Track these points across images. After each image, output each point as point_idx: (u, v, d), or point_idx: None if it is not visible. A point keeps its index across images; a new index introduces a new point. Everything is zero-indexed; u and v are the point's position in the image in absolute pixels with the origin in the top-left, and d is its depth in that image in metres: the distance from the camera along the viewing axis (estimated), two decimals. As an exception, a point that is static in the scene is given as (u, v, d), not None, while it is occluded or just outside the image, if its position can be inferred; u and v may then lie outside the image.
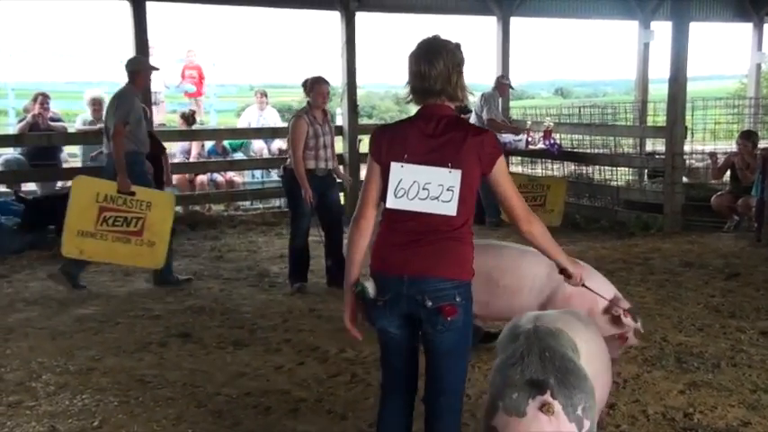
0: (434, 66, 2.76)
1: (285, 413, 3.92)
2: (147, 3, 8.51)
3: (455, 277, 2.74)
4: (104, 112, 9.11)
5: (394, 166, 2.75)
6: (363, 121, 11.08)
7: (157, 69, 6.88)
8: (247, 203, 10.44)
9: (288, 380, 4.39)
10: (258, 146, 11.42)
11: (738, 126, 11.98)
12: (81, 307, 5.92)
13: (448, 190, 2.71)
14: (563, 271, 3.05)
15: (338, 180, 6.70)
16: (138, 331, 5.30)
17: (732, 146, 9.60)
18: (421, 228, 2.75)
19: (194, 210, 9.57)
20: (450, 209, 2.71)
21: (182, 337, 5.16)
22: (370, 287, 2.79)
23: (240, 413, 3.93)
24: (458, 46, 2.84)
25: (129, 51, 8.57)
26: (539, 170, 10.71)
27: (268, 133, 11.00)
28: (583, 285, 3.14)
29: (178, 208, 9.64)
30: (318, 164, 6.20)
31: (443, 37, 2.86)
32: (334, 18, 9.61)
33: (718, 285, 6.39)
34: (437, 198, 2.72)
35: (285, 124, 8.65)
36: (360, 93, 10.30)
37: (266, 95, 12.11)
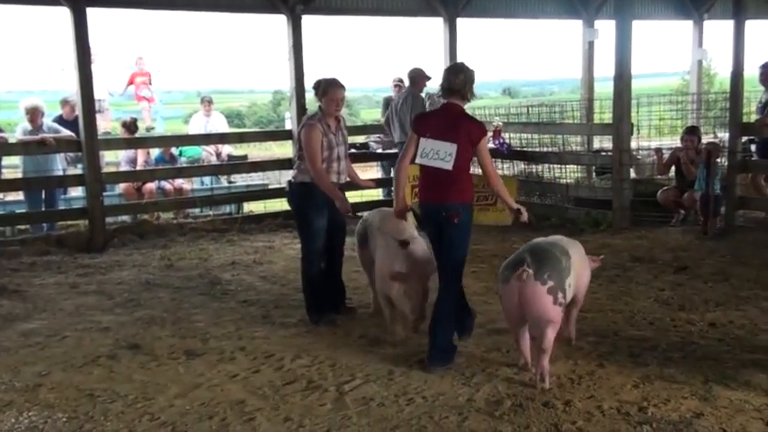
0: (458, 77, 4.59)
1: (241, 423, 3.85)
2: (88, 9, 8.30)
3: (458, 201, 4.50)
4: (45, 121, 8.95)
5: (421, 139, 4.57)
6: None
7: None
8: (197, 211, 10.28)
9: (243, 388, 4.31)
10: (204, 153, 11.27)
11: (682, 122, 12.22)
12: (26, 321, 5.74)
13: (449, 155, 4.48)
14: (515, 211, 4.72)
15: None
16: (86, 344, 5.16)
17: (676, 141, 9.79)
18: (437, 175, 4.52)
19: (143, 218, 9.37)
20: (448, 166, 4.49)
21: (132, 348, 5.04)
22: (416, 208, 4.88)
23: (195, 425, 3.84)
24: (472, 71, 4.65)
25: (71, 58, 8.37)
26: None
27: (216, 139, 10.87)
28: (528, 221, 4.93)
29: (125, 217, 9.49)
30: (331, 177, 5.37)
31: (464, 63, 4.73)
32: (280, 22, 9.52)
33: (668, 279, 6.49)
34: (442, 159, 4.50)
35: (232, 129, 8.53)
36: (309, 96, 10.23)
37: (211, 102, 11.98)
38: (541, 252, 4.31)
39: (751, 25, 8.79)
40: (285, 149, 11.41)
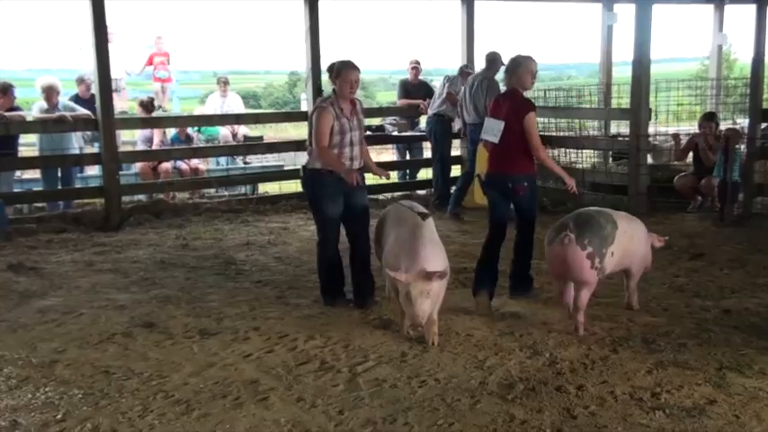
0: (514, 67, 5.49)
1: (254, 402, 3.87)
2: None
3: (521, 172, 5.35)
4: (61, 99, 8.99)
5: (486, 118, 5.60)
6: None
7: None
8: (212, 191, 10.33)
9: (256, 368, 4.34)
10: (222, 132, 11.30)
11: (701, 108, 12.11)
12: (43, 298, 5.80)
13: (498, 131, 5.34)
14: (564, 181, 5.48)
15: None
16: (102, 322, 5.20)
17: (695, 127, 9.70)
18: (501, 148, 5.36)
19: (158, 198, 9.42)
20: (495, 140, 5.38)
21: (147, 327, 5.08)
22: (483, 176, 5.63)
23: (208, 403, 3.87)
24: (517, 61, 5.49)
25: (89, 37, 8.38)
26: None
27: (232, 120, 10.89)
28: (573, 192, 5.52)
29: (141, 196, 9.54)
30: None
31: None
32: (298, 4, 9.49)
33: (683, 266, 6.46)
34: (494, 135, 5.37)
35: (248, 110, 8.52)
36: (325, 78, 10.20)
37: (228, 83, 11.99)
38: (585, 218, 4.77)
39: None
40: (301, 131, 11.42)
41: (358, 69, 5.23)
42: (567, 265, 4.69)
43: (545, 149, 5.60)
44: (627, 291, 5.33)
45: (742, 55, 24.97)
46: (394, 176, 10.90)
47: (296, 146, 10.27)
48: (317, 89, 9.39)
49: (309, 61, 9.40)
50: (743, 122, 10.65)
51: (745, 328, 4.85)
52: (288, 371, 4.28)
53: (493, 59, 9.07)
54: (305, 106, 10.08)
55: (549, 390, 3.94)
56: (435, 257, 4.56)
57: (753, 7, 10.35)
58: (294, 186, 9.77)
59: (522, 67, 5.46)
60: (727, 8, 13.30)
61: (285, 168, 10.75)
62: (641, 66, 8.53)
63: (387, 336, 4.81)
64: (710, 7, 13.31)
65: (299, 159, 11.52)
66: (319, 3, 9.44)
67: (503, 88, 7.13)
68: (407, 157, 11.20)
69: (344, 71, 5.16)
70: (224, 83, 11.81)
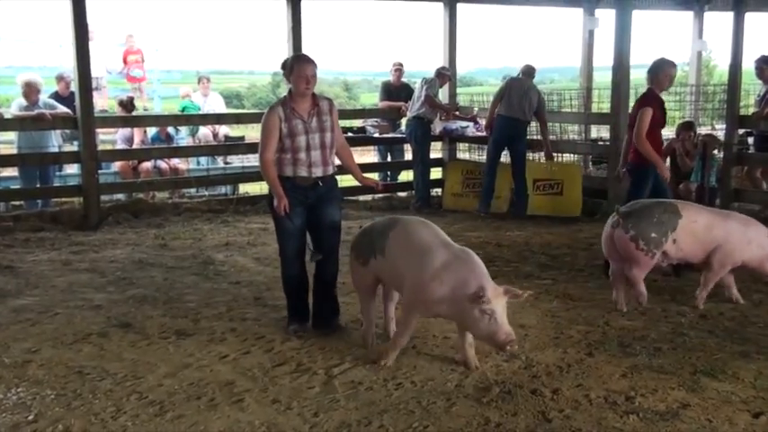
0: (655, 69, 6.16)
1: (229, 404, 3.85)
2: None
3: (631, 161, 6.36)
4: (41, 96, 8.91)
5: None
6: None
7: None
8: (192, 191, 10.27)
9: (232, 369, 4.32)
10: (203, 132, 11.24)
11: (680, 113, 12.20)
12: (18, 297, 5.74)
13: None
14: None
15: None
16: (77, 322, 5.16)
17: (673, 133, 9.77)
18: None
19: (138, 197, 9.36)
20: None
21: (123, 327, 5.04)
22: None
23: (183, 404, 3.85)
24: (656, 64, 6.22)
25: (69, 35, 8.31)
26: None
27: (213, 119, 10.84)
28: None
29: (120, 195, 9.47)
30: (298, 170, 4.69)
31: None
32: (280, 4, 9.47)
33: (661, 270, 6.48)
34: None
35: (229, 110, 8.48)
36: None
37: (209, 80, 11.94)
38: (638, 205, 5.39)
39: (751, 18, 8.74)
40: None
41: (313, 63, 4.69)
42: (614, 246, 5.35)
43: (645, 141, 6.03)
44: (727, 286, 5.54)
45: (721, 62, 25.19)
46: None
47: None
48: (297, 90, 9.34)
49: (291, 62, 9.35)
50: (722, 128, 10.75)
51: (720, 333, 4.88)
52: (264, 372, 4.27)
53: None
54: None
55: (524, 393, 3.95)
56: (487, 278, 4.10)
57: (731, 15, 10.43)
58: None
59: (661, 71, 6.13)
60: (707, 15, 13.42)
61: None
62: (621, 71, 8.58)
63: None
64: (690, 14, 13.43)
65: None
66: (302, 3, 9.43)
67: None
68: (388, 159, 11.20)
69: (297, 66, 4.64)
70: (206, 80, 11.77)
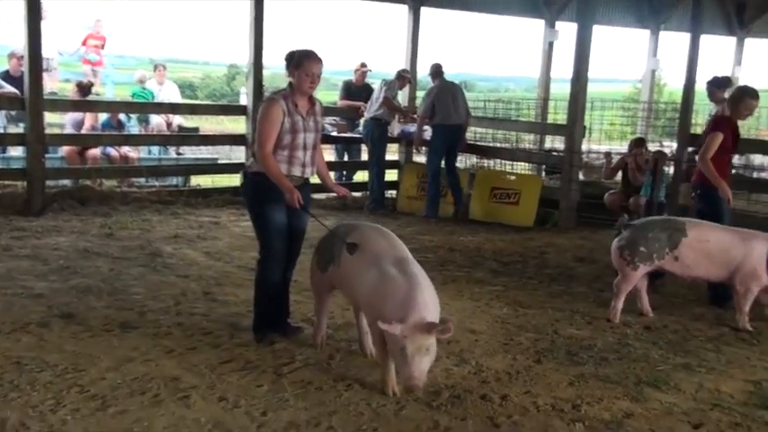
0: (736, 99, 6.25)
1: (174, 400, 3.77)
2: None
3: (697, 182, 6.33)
4: None
5: None
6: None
7: None
8: (142, 180, 10.07)
9: (178, 365, 4.22)
10: (156, 121, 11.04)
11: (631, 129, 12.45)
12: (-45, 283, 5.54)
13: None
14: None
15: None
16: (16, 310, 4.99)
17: (624, 147, 9.95)
18: None
19: (85, 184, 9.12)
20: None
21: (65, 317, 4.89)
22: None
23: (126, 399, 3.74)
24: (738, 93, 6.28)
25: (21, 15, 8.06)
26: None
27: (167, 108, 10.65)
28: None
29: (66, 181, 9.23)
30: (292, 169, 4.48)
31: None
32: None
33: (608, 281, 6.53)
34: None
35: (184, 100, 8.34)
36: (267, 72, 10.12)
37: (165, 68, 11.73)
38: (644, 221, 5.73)
39: (704, 40, 8.92)
40: (237, 125, 11.18)
41: (321, 62, 4.49)
42: (612, 257, 5.61)
43: (708, 162, 6.04)
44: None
45: (671, 80, 25.79)
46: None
47: (232, 140, 10.11)
48: (259, 84, 9.26)
49: (252, 54, 9.24)
50: (670, 145, 10.99)
51: (663, 345, 4.97)
52: (211, 369, 4.18)
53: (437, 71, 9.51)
54: (244, 100, 9.92)
55: (473, 398, 3.95)
56: (434, 304, 3.83)
57: (684, 35, 10.70)
58: (227, 180, 9.63)
59: (742, 102, 6.16)
60: (662, 34, 13.72)
61: (220, 162, 10.56)
62: (579, 83, 8.71)
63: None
64: (647, 32, 13.72)
65: (234, 154, 11.37)
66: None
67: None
68: (345, 159, 11.16)
69: (306, 61, 4.42)
70: (162, 68, 11.56)
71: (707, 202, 6.20)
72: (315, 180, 4.80)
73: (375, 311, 3.83)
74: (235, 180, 9.74)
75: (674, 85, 24.84)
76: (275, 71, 9.34)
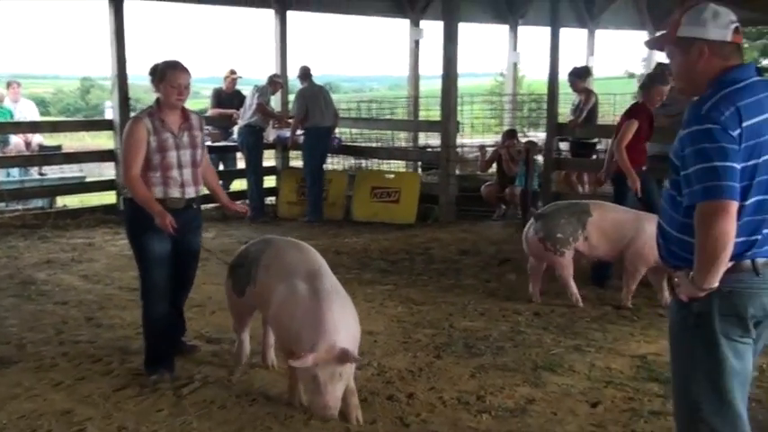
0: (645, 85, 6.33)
1: (68, 435, 3.56)
2: None
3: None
4: None
5: None
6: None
7: None
8: (3, 205, 9.44)
9: (68, 397, 3.99)
10: (14, 141, 10.38)
11: (496, 121, 12.91)
12: None
13: None
14: None
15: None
16: None
17: (491, 139, 10.31)
18: None
19: (-61, 212, 8.47)
20: None
21: (-66, 358, 4.52)
22: None
23: (14, 440, 3.50)
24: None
25: None
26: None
27: (27, 127, 10.04)
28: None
29: None
30: (169, 191, 4.19)
31: None
32: (102, 5, 8.95)
33: (494, 271, 6.80)
34: None
35: (44, 118, 7.87)
36: (133, 83, 9.73)
37: (20, 85, 11.06)
38: (550, 208, 5.91)
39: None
40: (100, 141, 10.66)
41: (188, 72, 4.24)
42: (529, 248, 5.75)
43: (623, 151, 6.06)
44: (658, 289, 5.68)
45: (529, 72, 26.79)
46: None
47: (99, 156, 9.67)
48: (124, 96, 8.90)
49: (115, 67, 8.87)
50: (534, 135, 11.47)
51: (553, 329, 5.16)
52: (105, 398, 3.98)
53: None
54: (110, 114, 9.52)
55: (380, 400, 3.96)
56: (347, 323, 3.54)
57: (540, 29, 11.23)
58: (97, 199, 9.20)
59: (654, 87, 6.16)
60: (521, 29, 14.27)
61: (87, 180, 10.07)
62: (449, 80, 8.91)
63: (211, 356, 4.62)
64: (506, 28, 14.22)
65: (103, 171, 10.89)
66: (124, 3, 8.97)
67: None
68: (221, 168, 10.90)
69: (171, 73, 4.16)
70: (17, 85, 10.87)
71: (620, 189, 6.30)
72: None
73: (283, 332, 3.65)
74: (106, 198, 9.34)
75: (531, 77, 25.87)
76: (132, 82, 8.98)
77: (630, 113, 6.23)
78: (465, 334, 5.06)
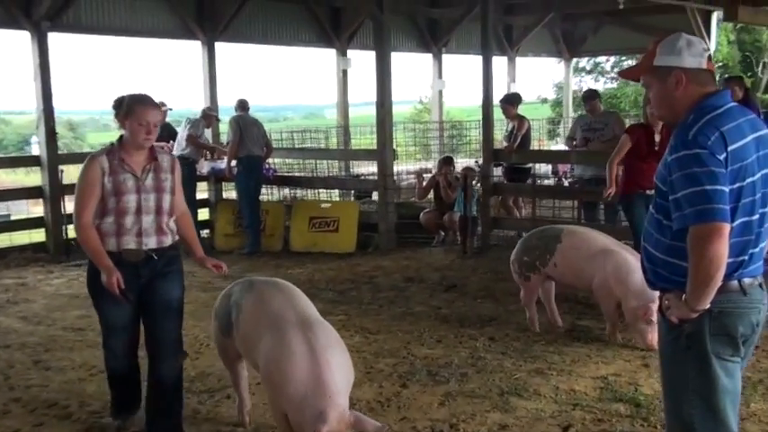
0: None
1: (35, 487, 3.40)
2: None
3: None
4: None
5: None
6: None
7: None
8: None
9: (29, 446, 3.82)
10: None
11: (416, 148, 13.13)
12: None
13: None
14: None
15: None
16: None
17: (416, 166, 10.46)
18: None
19: None
20: None
21: None
22: None
23: (-22, 496, 3.32)
24: None
25: None
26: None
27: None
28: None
29: None
30: (123, 242, 3.70)
31: None
32: (24, 38, 8.68)
33: (442, 297, 6.87)
34: None
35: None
36: (60, 118, 9.46)
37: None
38: (530, 232, 5.91)
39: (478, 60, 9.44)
40: (35, 176, 10.13)
41: (158, 108, 3.86)
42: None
43: (613, 164, 6.23)
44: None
45: (449, 100, 27.36)
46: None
47: (27, 193, 9.31)
48: (51, 131, 8.64)
49: (40, 101, 8.60)
50: (461, 161, 11.69)
51: (512, 353, 5.22)
52: (68, 445, 3.83)
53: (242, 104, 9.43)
54: (37, 150, 9.19)
55: (354, 432, 3.93)
56: (347, 377, 3.32)
57: (462, 57, 11.40)
58: (27, 237, 8.84)
59: (647, 105, 6.04)
60: (444, 57, 14.57)
61: (13, 219, 9.68)
62: (384, 108, 9.01)
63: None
64: (429, 56, 14.49)
65: (32, 208, 10.50)
66: (48, 37, 8.73)
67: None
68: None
69: (140, 108, 3.68)
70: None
71: (626, 208, 6.41)
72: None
73: (277, 394, 3.25)
74: (35, 236, 9.00)
75: (449, 104, 26.39)
76: (59, 115, 8.75)
77: (626, 130, 6.46)
78: (426, 362, 5.08)
